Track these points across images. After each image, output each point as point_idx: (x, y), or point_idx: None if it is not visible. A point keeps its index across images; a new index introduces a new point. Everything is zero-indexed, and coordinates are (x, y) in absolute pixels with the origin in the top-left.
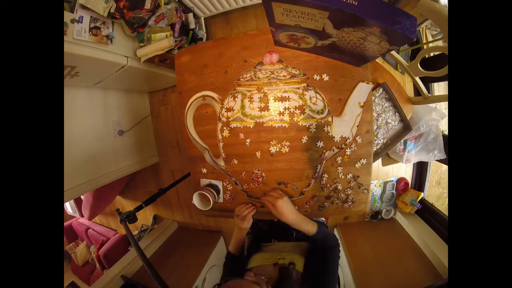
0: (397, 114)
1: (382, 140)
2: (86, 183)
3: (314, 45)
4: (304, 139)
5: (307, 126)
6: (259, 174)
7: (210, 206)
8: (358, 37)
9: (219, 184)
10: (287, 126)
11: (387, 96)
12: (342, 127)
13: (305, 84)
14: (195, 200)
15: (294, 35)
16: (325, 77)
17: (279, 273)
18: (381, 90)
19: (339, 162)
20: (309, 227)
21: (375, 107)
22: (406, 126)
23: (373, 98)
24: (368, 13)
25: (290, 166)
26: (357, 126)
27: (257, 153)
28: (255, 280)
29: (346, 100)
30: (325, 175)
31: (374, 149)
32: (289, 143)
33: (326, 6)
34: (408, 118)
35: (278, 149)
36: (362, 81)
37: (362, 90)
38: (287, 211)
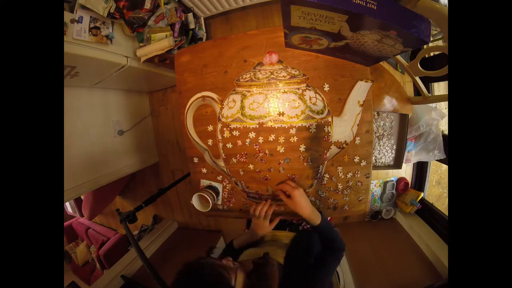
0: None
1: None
2: (86, 183)
3: (327, 47)
4: (304, 139)
5: (307, 126)
6: (257, 149)
7: (209, 208)
8: (373, 39)
9: (218, 186)
10: (286, 127)
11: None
12: (342, 126)
13: (304, 85)
14: (194, 201)
15: (307, 37)
16: (326, 88)
17: (253, 265)
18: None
19: (339, 161)
20: (316, 218)
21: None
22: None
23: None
24: (386, 17)
25: (290, 167)
26: (358, 125)
27: (256, 153)
28: (225, 264)
29: (345, 99)
30: (326, 175)
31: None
32: (289, 144)
33: (347, 11)
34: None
35: (278, 150)
36: (361, 80)
37: (361, 89)
38: (304, 202)
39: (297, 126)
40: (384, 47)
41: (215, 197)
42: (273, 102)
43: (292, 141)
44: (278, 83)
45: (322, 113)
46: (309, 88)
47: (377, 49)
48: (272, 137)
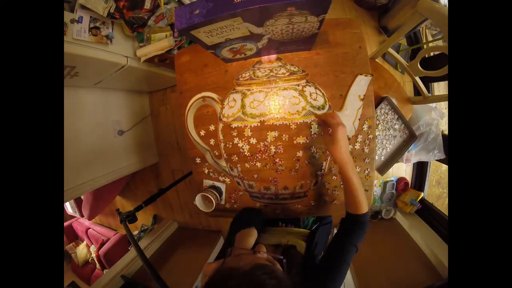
0: (402, 125)
1: (388, 150)
2: (86, 183)
3: (258, 49)
4: (306, 136)
5: (308, 122)
6: (258, 147)
7: (213, 208)
8: (285, 23)
9: (222, 186)
10: (288, 124)
11: (389, 107)
12: (343, 121)
13: (304, 81)
14: (198, 202)
15: (233, 47)
16: (328, 84)
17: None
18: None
19: None
20: (362, 195)
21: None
22: (411, 135)
23: (375, 114)
24: (263, 0)
25: (293, 164)
26: (359, 119)
27: (258, 152)
28: (268, 258)
29: (346, 94)
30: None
31: (382, 158)
32: (291, 141)
33: (234, 13)
34: (408, 118)
35: (280, 147)
36: (360, 74)
37: (361, 83)
38: (344, 140)
39: (298, 123)
40: (301, 25)
41: (219, 197)
42: (274, 99)
43: (294, 138)
44: (277, 80)
45: (323, 109)
46: (309, 84)
47: (298, 30)
48: (274, 135)
